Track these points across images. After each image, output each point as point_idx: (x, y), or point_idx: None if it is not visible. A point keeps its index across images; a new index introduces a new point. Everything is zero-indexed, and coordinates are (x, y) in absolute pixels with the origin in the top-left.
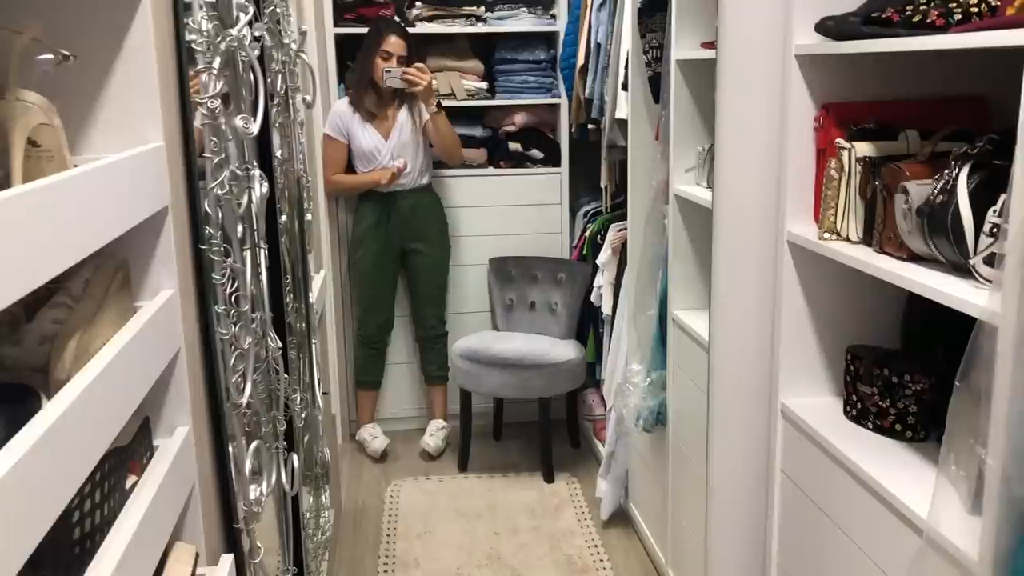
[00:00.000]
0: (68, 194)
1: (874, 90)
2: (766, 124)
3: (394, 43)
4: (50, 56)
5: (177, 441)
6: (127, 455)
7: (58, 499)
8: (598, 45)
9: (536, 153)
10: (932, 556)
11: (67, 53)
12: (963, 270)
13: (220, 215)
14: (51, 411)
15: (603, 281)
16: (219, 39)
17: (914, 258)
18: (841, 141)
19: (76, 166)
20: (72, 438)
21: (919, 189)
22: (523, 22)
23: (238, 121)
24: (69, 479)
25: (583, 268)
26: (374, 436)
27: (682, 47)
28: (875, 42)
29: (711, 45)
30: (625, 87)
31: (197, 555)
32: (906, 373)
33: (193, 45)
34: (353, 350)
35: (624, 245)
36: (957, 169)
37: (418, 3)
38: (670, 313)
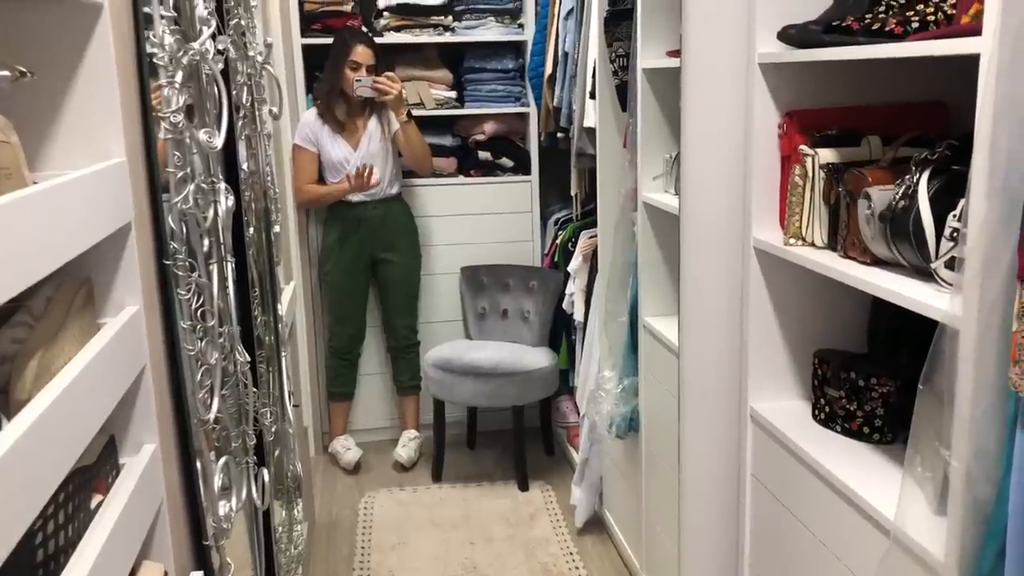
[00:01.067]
0: (27, 212)
1: (837, 97)
2: (731, 131)
3: (362, 53)
4: (6, 73)
5: (144, 458)
6: (92, 474)
7: (19, 521)
8: (565, 54)
9: (506, 162)
10: (899, 556)
11: (24, 69)
12: (925, 274)
13: (185, 229)
14: (11, 432)
15: (575, 288)
16: (181, 53)
17: (878, 262)
18: (805, 148)
19: (36, 183)
20: (34, 459)
21: (881, 195)
22: (491, 31)
23: (202, 135)
24: (31, 501)
25: (555, 276)
26: (347, 448)
27: (648, 55)
28: (836, 50)
29: (677, 54)
30: (593, 95)
31: (166, 573)
32: (872, 376)
33: (155, 59)
34: (325, 361)
35: (595, 252)
36: (918, 175)
37: (385, 13)
38: (641, 319)
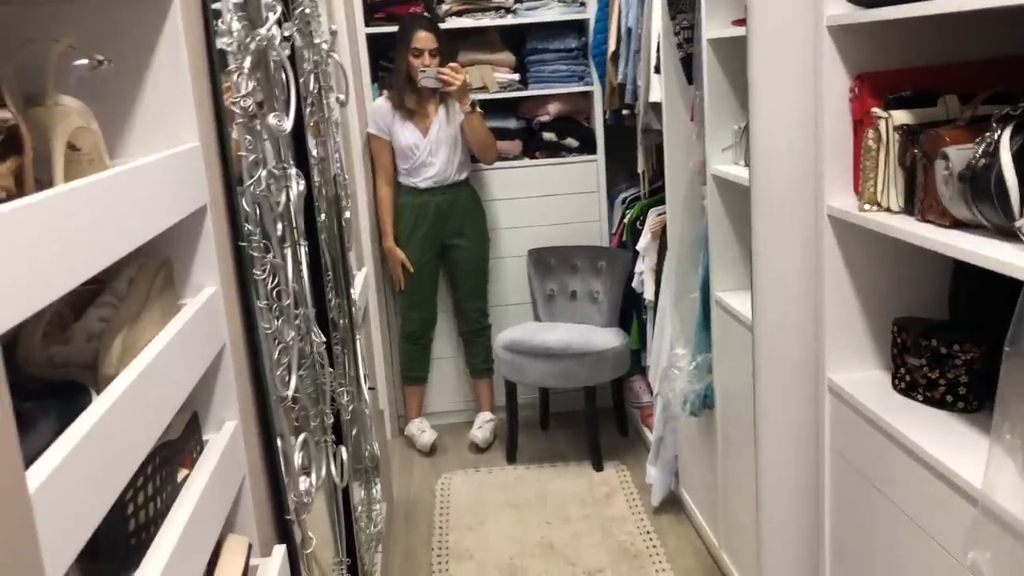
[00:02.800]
0: (109, 193)
1: (909, 56)
2: (800, 98)
3: (423, 38)
4: (85, 61)
5: (225, 435)
6: (177, 449)
7: (110, 490)
8: (628, 30)
9: (571, 142)
10: (988, 525)
11: (102, 58)
12: (1008, 234)
13: (258, 212)
14: (100, 405)
15: (644, 267)
16: (249, 39)
17: (957, 225)
18: (877, 111)
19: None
20: (121, 430)
21: (960, 154)
22: (552, 11)
23: (271, 119)
24: (120, 469)
25: (623, 255)
26: (422, 430)
27: (713, 26)
28: (910, 6)
29: (742, 22)
30: (657, 70)
31: (250, 546)
32: (955, 343)
33: (224, 46)
34: (398, 347)
35: (664, 229)
36: (999, 131)
37: None
38: (713, 295)
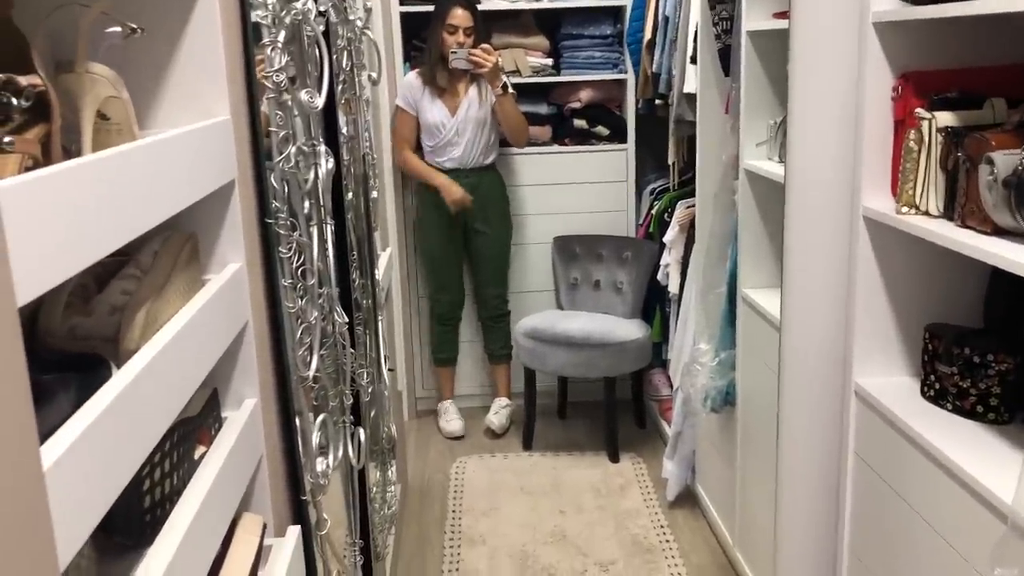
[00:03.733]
0: (137, 164)
1: (956, 57)
2: (841, 95)
3: (460, 16)
4: (118, 29)
5: (245, 413)
6: (196, 425)
7: (128, 464)
8: (666, 18)
9: (602, 130)
10: (1017, 542)
11: (135, 26)
12: None
13: (286, 189)
14: (120, 379)
15: (670, 259)
16: (284, 13)
17: (998, 232)
18: (921, 111)
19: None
20: (141, 405)
21: (1006, 159)
22: None
23: (303, 95)
24: (138, 445)
25: (649, 246)
26: (451, 419)
27: (753, 18)
28: (959, 5)
29: (783, 15)
30: (694, 60)
31: (264, 526)
32: (989, 352)
33: (258, 19)
34: (429, 329)
35: (692, 223)
36: None
37: None
38: (740, 291)
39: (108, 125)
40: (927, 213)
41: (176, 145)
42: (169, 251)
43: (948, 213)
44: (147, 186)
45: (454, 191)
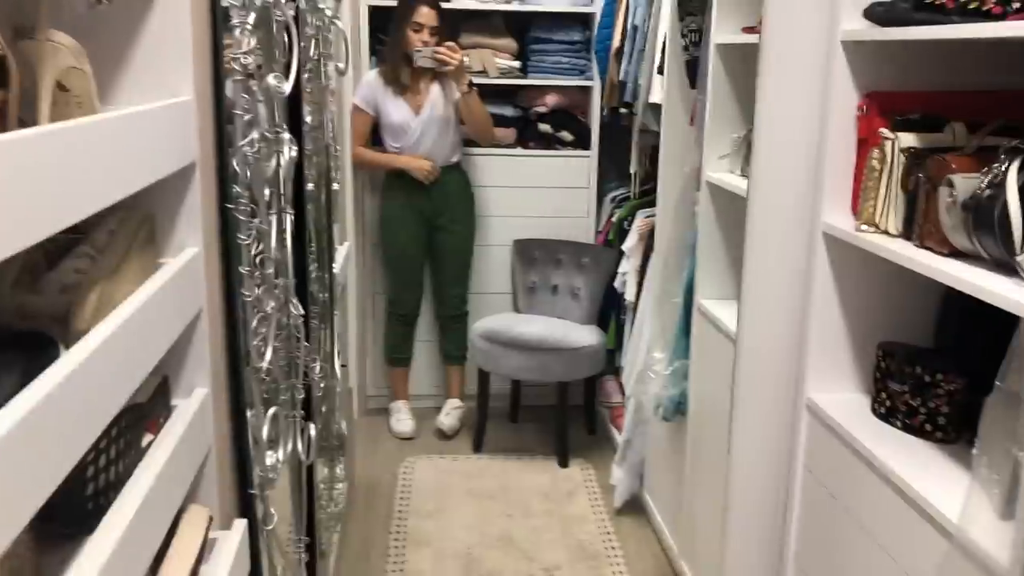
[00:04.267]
0: (95, 139)
1: (921, 80)
2: (807, 111)
3: (425, 14)
4: None
5: (195, 402)
6: (144, 413)
7: (72, 451)
8: (635, 27)
9: (566, 135)
10: (961, 561)
11: None
12: (1007, 267)
13: (248, 175)
14: (69, 360)
15: (628, 267)
16: None
17: (956, 254)
18: (884, 131)
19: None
20: (89, 389)
21: (966, 183)
22: (560, 2)
23: (271, 80)
24: (84, 431)
25: (608, 253)
26: (402, 419)
27: (722, 31)
28: (928, 29)
29: (752, 30)
30: (661, 71)
31: (210, 518)
32: (939, 372)
33: (228, 1)
34: (385, 328)
35: (651, 232)
36: (1007, 163)
37: None
38: (696, 302)
39: (68, 97)
40: (886, 232)
41: (137, 122)
42: (125, 231)
43: (907, 233)
44: (105, 162)
45: (419, 163)
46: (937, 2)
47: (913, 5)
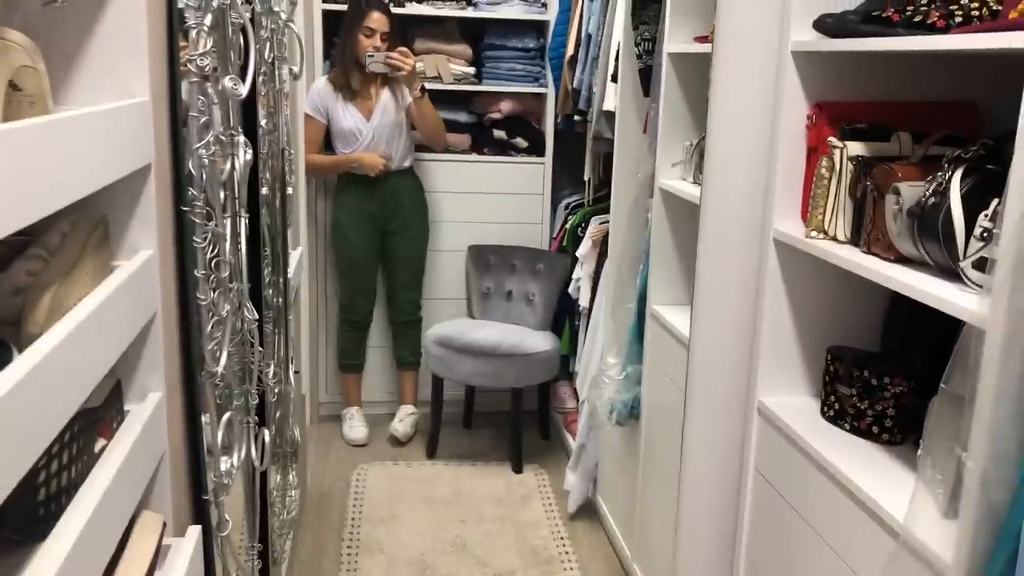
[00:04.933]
0: (48, 139)
1: (868, 90)
2: (758, 120)
3: (377, 19)
4: None
5: (149, 407)
6: (97, 417)
7: (24, 456)
8: (588, 36)
9: (520, 142)
10: (907, 559)
11: None
12: (951, 273)
13: (204, 178)
14: (22, 364)
15: (582, 273)
16: None
17: (901, 260)
18: (833, 140)
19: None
20: (42, 393)
21: (911, 190)
22: (514, 9)
23: (227, 82)
24: (37, 436)
25: (562, 260)
26: (355, 425)
27: (675, 40)
28: (874, 41)
29: (704, 39)
30: (614, 79)
31: (164, 525)
32: (885, 375)
33: (185, 2)
34: (338, 334)
35: (605, 238)
36: (950, 172)
37: None
38: (649, 308)
39: (21, 96)
40: (835, 238)
41: (92, 123)
42: (79, 233)
43: (855, 239)
44: (57, 163)
45: (372, 158)
46: (884, 15)
47: (861, 18)
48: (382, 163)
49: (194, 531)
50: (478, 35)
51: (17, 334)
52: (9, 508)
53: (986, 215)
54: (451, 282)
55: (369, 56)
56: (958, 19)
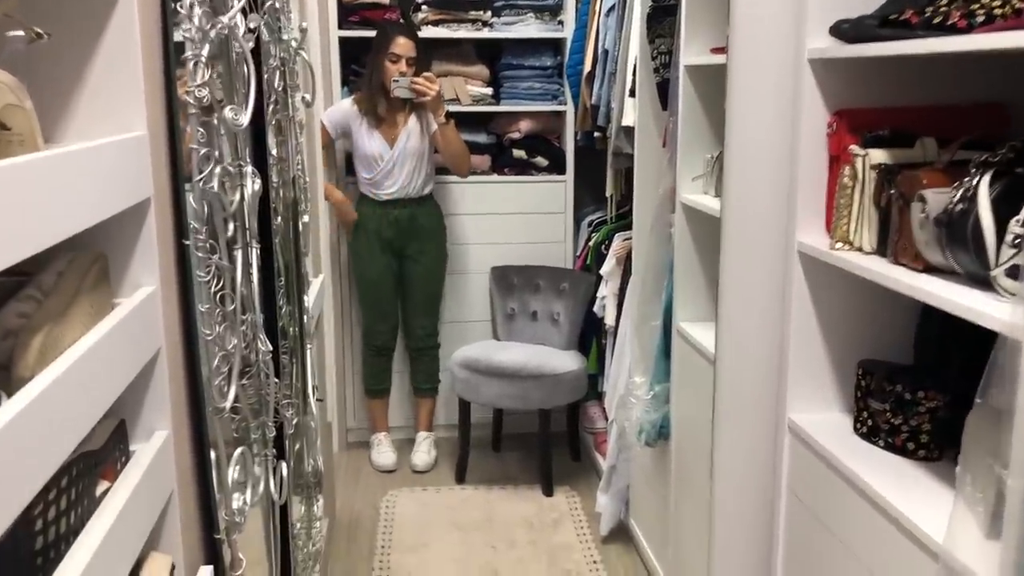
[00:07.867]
0: (38, 176)
1: (889, 96)
2: (777, 130)
3: (403, 44)
4: (21, 33)
5: (155, 445)
6: (98, 459)
7: (14, 504)
8: (605, 51)
9: (541, 161)
10: None
11: (40, 31)
12: (982, 282)
13: (207, 211)
14: (8, 409)
15: (607, 291)
16: (209, 26)
17: (930, 269)
18: (855, 148)
19: None
20: (33, 437)
21: (937, 198)
22: (530, 28)
23: (227, 112)
24: (28, 482)
25: (586, 278)
26: (383, 451)
27: (691, 52)
28: (893, 44)
29: (720, 50)
30: (632, 93)
31: (173, 566)
32: (920, 389)
33: (183, 34)
34: (363, 359)
35: (629, 255)
36: (978, 177)
37: (424, 7)
38: (675, 325)
39: (9, 136)
40: (860, 249)
41: (85, 158)
42: (74, 272)
43: (881, 249)
44: (50, 199)
45: (345, 212)
46: (902, 18)
47: (878, 22)
48: (352, 221)
49: (206, 571)
50: (495, 55)
51: (8, 379)
52: (4, 556)
53: (1018, 221)
54: (476, 304)
55: (395, 81)
56: (980, 18)
